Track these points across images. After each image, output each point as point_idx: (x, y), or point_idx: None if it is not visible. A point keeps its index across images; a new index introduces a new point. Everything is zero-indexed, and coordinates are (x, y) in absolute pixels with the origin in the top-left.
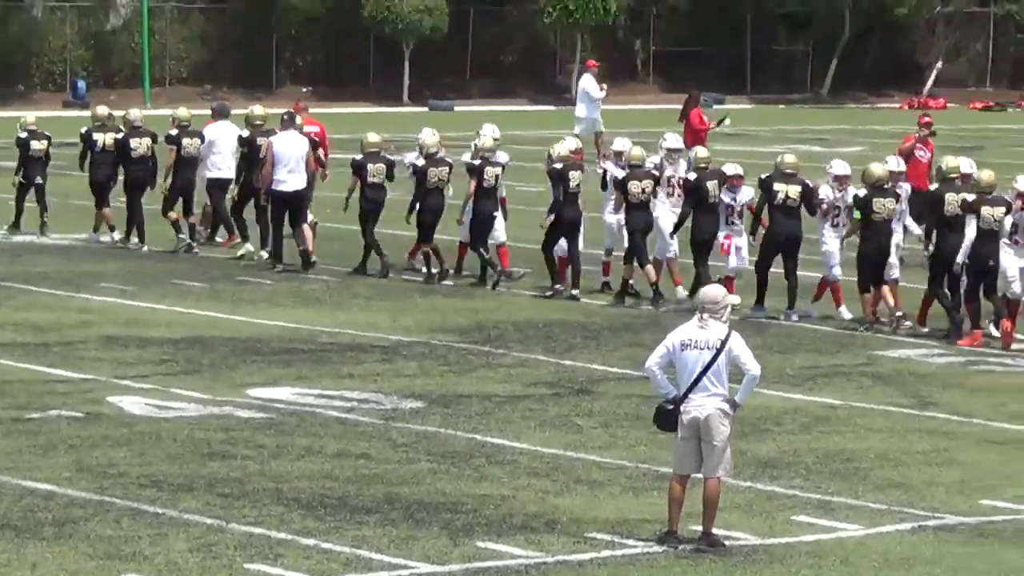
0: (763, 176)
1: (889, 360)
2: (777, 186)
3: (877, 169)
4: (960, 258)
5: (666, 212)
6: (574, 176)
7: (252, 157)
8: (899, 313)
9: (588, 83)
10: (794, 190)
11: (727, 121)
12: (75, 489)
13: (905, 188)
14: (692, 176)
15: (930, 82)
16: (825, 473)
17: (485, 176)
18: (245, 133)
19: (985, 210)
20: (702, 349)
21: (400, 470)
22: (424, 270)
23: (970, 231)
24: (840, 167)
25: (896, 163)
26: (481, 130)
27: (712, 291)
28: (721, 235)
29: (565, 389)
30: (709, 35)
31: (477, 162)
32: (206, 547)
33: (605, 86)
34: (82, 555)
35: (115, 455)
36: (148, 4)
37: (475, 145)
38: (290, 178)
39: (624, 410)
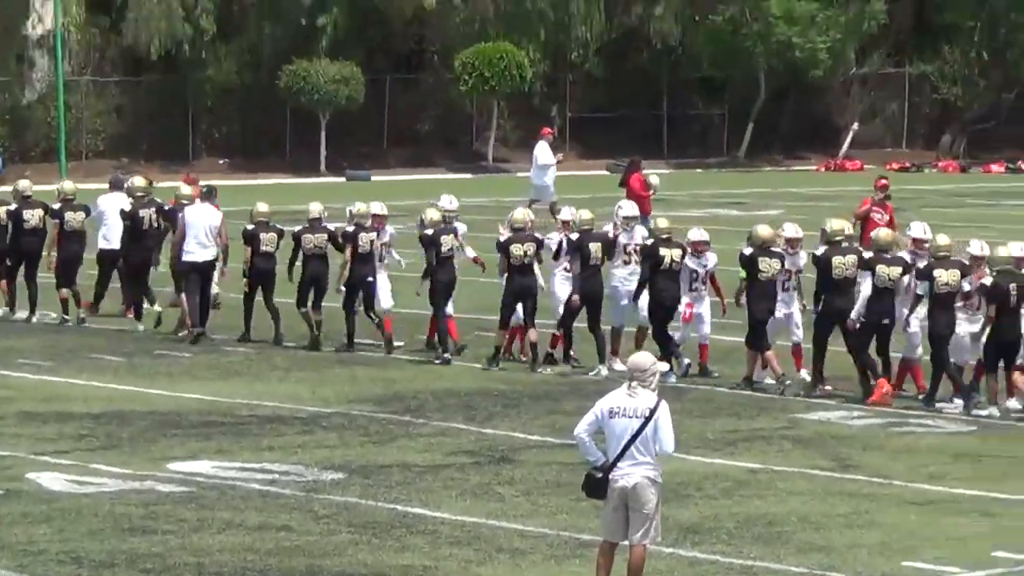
0: (649, 242)
1: (809, 423)
2: (880, 268)
3: (763, 230)
4: (855, 315)
5: (620, 282)
6: (445, 240)
7: (134, 229)
8: (787, 381)
9: (542, 150)
10: (895, 271)
11: (653, 180)
12: None
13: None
14: (748, 251)
15: (846, 144)
16: (747, 537)
17: (360, 242)
18: (127, 207)
19: (881, 268)
20: (630, 417)
21: (322, 542)
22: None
23: (865, 288)
24: (791, 230)
25: (848, 226)
26: (439, 200)
27: (640, 359)
28: (683, 302)
29: (486, 458)
30: (625, 101)
31: (351, 228)
32: None
33: (561, 155)
34: None
35: (35, 532)
36: (63, 78)
37: (423, 217)
38: (198, 249)
39: (545, 478)
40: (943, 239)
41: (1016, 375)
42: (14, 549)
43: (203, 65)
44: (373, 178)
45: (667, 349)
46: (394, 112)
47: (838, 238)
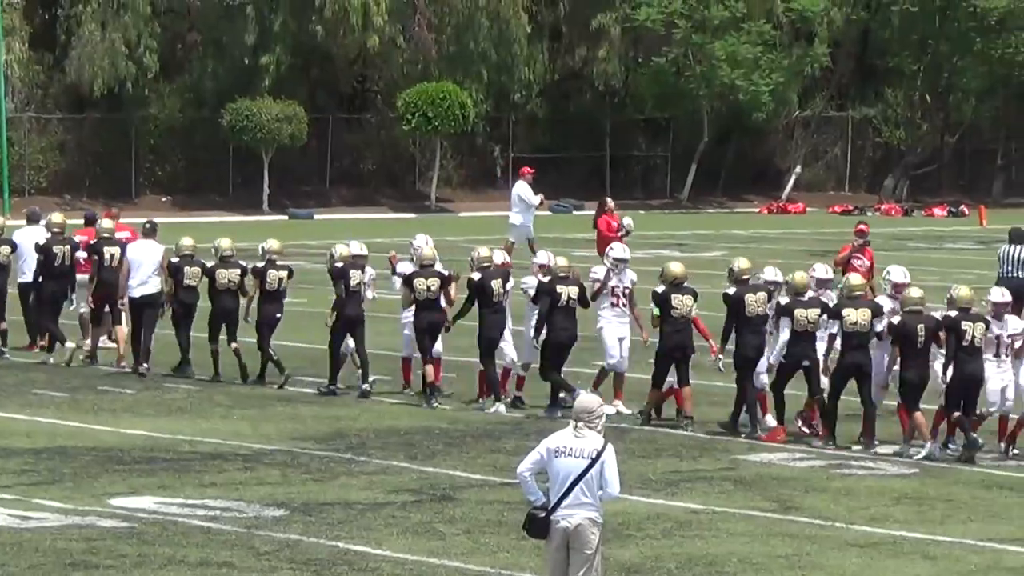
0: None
1: (751, 464)
2: (798, 311)
3: (675, 268)
4: (774, 359)
5: (608, 323)
6: (354, 275)
7: (47, 263)
8: (688, 416)
9: (523, 190)
10: (813, 313)
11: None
12: None
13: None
14: (660, 289)
15: (789, 186)
16: None
17: (268, 279)
18: (42, 241)
19: (799, 312)
20: (577, 457)
21: None
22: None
23: (784, 334)
24: (771, 273)
25: (824, 271)
26: (414, 240)
27: (587, 401)
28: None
29: (427, 496)
30: (568, 142)
31: (261, 264)
32: None
33: (542, 195)
34: None
35: None
36: (6, 114)
37: (332, 252)
38: (140, 287)
39: (487, 516)
40: (800, 276)
41: (917, 415)
42: None
43: (146, 103)
44: (316, 216)
45: (559, 385)
46: (337, 151)
47: (745, 277)
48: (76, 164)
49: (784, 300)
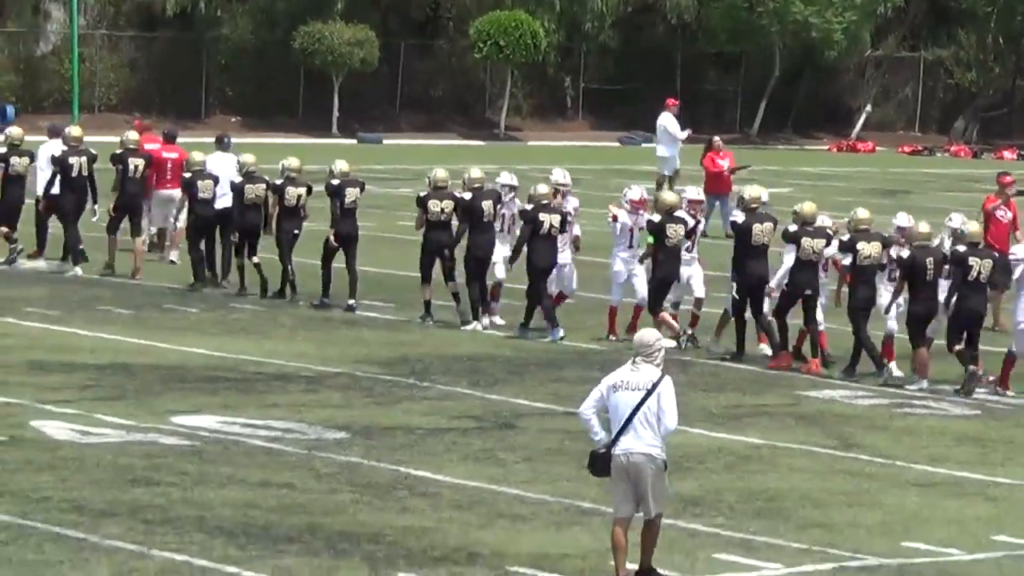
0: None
1: (814, 401)
2: (804, 240)
3: (669, 196)
4: (774, 283)
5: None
6: (350, 192)
7: (64, 175)
8: (689, 332)
9: (668, 122)
10: (819, 244)
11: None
12: None
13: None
14: (656, 218)
15: (859, 125)
16: (748, 512)
17: (286, 196)
18: (59, 152)
19: (805, 241)
20: (633, 391)
21: (323, 500)
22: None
23: (788, 259)
24: (903, 219)
25: (906, 219)
26: (552, 175)
27: (645, 335)
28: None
29: (489, 423)
30: (639, 74)
31: (279, 182)
32: (127, 573)
33: (689, 130)
34: None
35: (38, 480)
36: (77, 31)
37: (331, 168)
38: (222, 198)
39: (547, 445)
40: (809, 207)
41: (921, 350)
42: (17, 496)
43: (218, 23)
44: (385, 141)
45: (546, 311)
46: (408, 77)
47: (754, 206)
48: (146, 82)
49: (792, 228)
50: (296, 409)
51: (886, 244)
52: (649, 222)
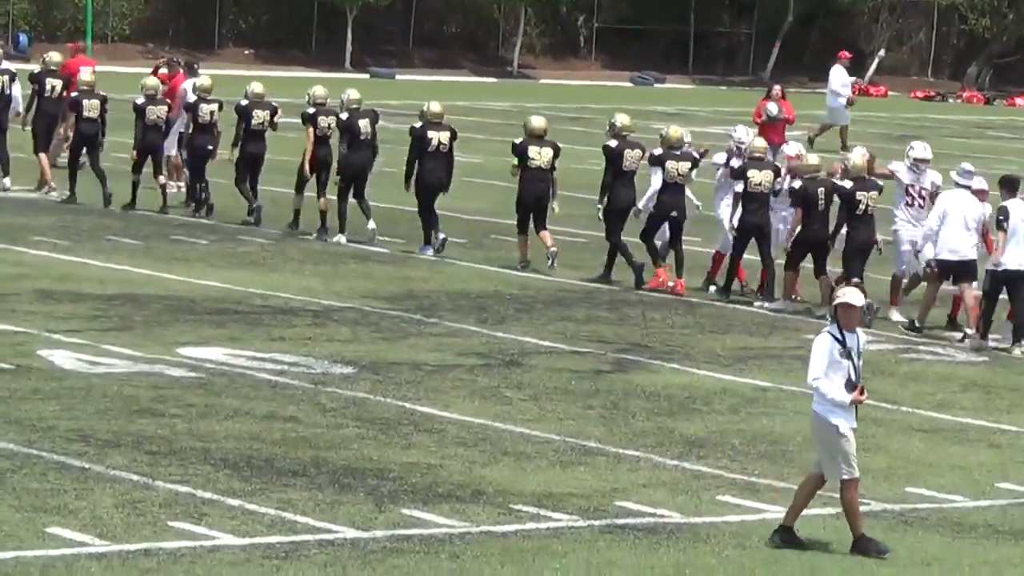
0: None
1: None
2: (668, 163)
3: (535, 120)
4: (641, 204)
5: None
6: (257, 114)
7: (40, 95)
8: (554, 250)
9: (838, 74)
10: (684, 166)
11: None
12: (2, 441)
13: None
14: (658, 152)
15: (872, 69)
16: (752, 454)
17: (319, 124)
18: (37, 70)
19: (669, 164)
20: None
21: (328, 435)
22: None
23: (655, 181)
24: (920, 150)
25: (923, 149)
26: (734, 131)
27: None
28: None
29: (496, 360)
30: (652, 14)
31: (311, 110)
32: (131, 503)
33: (857, 89)
34: (7, 507)
35: (44, 409)
36: None
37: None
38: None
39: (554, 383)
40: (675, 130)
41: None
42: (23, 424)
43: None
44: (398, 76)
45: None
46: (421, 12)
47: (625, 133)
48: (160, 12)
49: (657, 152)
50: (303, 343)
51: (777, 173)
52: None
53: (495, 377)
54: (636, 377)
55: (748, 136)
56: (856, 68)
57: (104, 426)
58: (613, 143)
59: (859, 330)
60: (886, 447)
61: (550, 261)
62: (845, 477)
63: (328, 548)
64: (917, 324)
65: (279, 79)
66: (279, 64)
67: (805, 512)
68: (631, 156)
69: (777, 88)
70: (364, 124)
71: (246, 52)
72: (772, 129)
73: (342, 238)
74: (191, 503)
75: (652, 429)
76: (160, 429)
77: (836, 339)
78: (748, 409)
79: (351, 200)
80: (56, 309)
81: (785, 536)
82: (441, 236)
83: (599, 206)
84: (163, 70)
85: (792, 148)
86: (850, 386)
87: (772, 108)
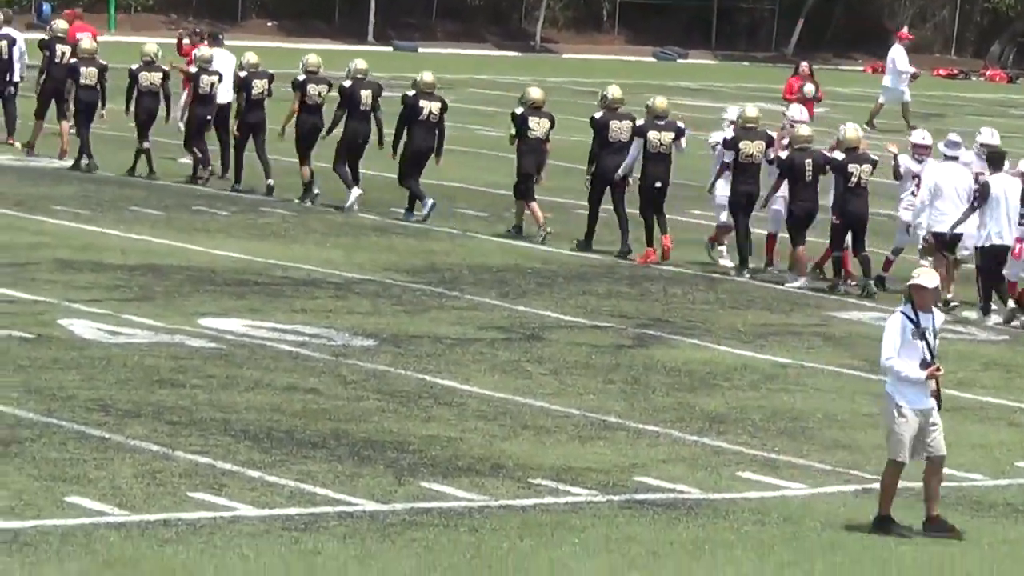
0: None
1: (842, 322)
2: (651, 134)
3: (534, 92)
4: (621, 171)
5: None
6: (257, 84)
7: (51, 61)
8: (547, 229)
9: (897, 54)
10: (667, 137)
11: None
12: (22, 410)
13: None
14: (599, 115)
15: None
16: (772, 431)
17: (309, 92)
18: (46, 37)
19: (652, 135)
20: None
21: (348, 407)
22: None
23: (633, 150)
24: (919, 136)
25: (922, 136)
26: (788, 111)
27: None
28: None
29: (516, 334)
30: None
31: (301, 77)
32: (151, 474)
33: (916, 70)
34: (26, 476)
35: (64, 378)
36: None
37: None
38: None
39: (574, 358)
40: (661, 101)
41: (799, 249)
42: (43, 393)
43: None
44: (420, 49)
45: (415, 193)
46: None
47: (615, 106)
48: None
49: (640, 122)
50: (324, 315)
51: (770, 143)
52: (512, 114)
53: (516, 351)
54: (656, 352)
55: (801, 115)
56: (878, 46)
57: (124, 396)
58: (599, 115)
59: (935, 310)
60: None
61: (541, 237)
62: (890, 456)
63: (347, 520)
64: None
65: (302, 52)
66: (302, 36)
67: (823, 489)
68: (617, 127)
69: (805, 65)
70: (366, 95)
71: (269, 24)
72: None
73: (356, 190)
74: (211, 474)
75: (672, 404)
76: (180, 400)
77: (909, 319)
78: (768, 385)
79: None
80: (77, 279)
81: (883, 525)
82: (429, 202)
83: (587, 176)
84: (186, 41)
85: (794, 110)
86: (924, 366)
87: (809, 89)
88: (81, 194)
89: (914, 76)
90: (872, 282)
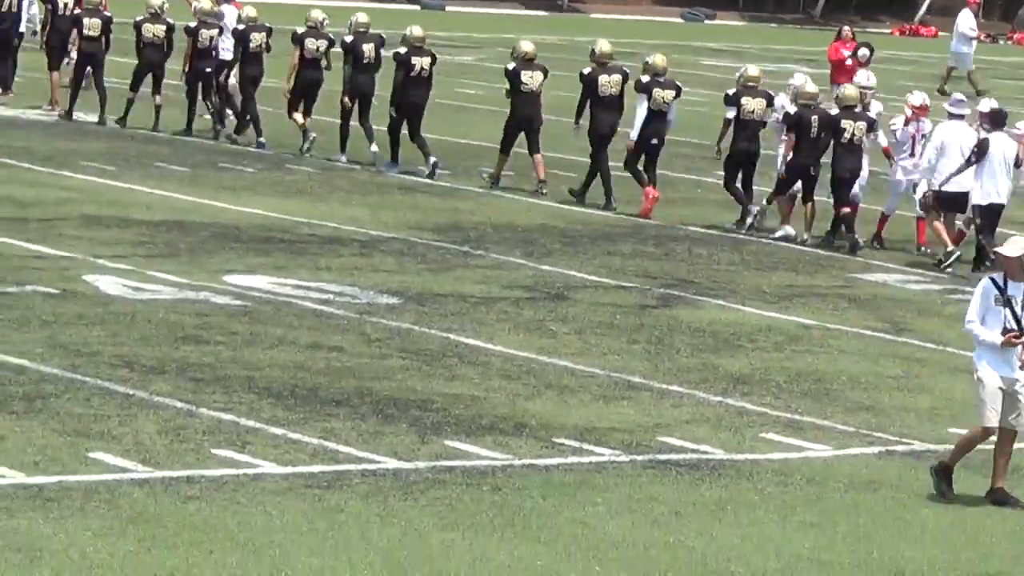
0: (728, 92)
1: (867, 284)
2: (744, 100)
3: (525, 45)
4: (634, 135)
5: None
6: (255, 37)
7: (53, 12)
8: (544, 186)
9: (964, 19)
10: (668, 94)
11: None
12: (47, 365)
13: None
14: (646, 79)
15: (923, 9)
16: (796, 392)
17: (306, 46)
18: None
19: (656, 92)
20: None
21: (372, 365)
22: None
23: (641, 110)
24: (918, 98)
25: (921, 98)
26: (793, 80)
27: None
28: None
29: (541, 294)
30: None
31: (301, 31)
32: (175, 430)
33: (980, 33)
34: (50, 431)
35: (89, 334)
36: None
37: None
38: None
39: (599, 318)
40: (660, 59)
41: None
42: (68, 349)
43: None
44: (448, 8)
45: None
46: None
47: (605, 60)
48: None
49: (644, 79)
50: (348, 273)
51: (770, 102)
52: (506, 69)
53: (540, 310)
54: (681, 313)
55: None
56: (905, 8)
57: (148, 352)
58: (587, 70)
59: None
60: (929, 387)
61: (540, 190)
62: (979, 422)
63: (370, 478)
64: (941, 258)
65: (330, 8)
66: None
67: (847, 450)
68: (606, 81)
69: (847, 29)
70: (368, 48)
71: None
72: (847, 71)
73: (342, 158)
74: (234, 431)
75: (696, 365)
76: (204, 356)
77: (997, 285)
78: (792, 347)
79: (354, 123)
80: (102, 235)
81: (939, 472)
82: (432, 160)
83: (575, 127)
84: None
85: (798, 79)
86: (1005, 333)
87: (864, 52)
88: (109, 150)
89: (976, 38)
90: (858, 238)
